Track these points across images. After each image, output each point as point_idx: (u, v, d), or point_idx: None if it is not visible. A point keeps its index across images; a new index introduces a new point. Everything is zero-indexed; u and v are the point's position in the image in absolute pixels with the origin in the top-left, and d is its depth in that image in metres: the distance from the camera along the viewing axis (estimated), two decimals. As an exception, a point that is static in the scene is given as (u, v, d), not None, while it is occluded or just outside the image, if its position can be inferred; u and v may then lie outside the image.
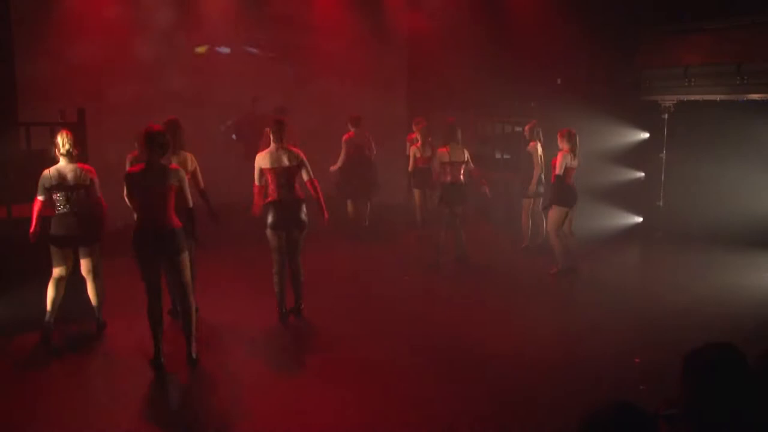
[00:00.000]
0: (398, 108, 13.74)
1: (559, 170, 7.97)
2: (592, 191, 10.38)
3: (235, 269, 8.35)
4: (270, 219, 6.39)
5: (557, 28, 11.86)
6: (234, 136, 11.88)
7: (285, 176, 6.37)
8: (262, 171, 6.38)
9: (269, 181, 6.40)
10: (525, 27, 12.00)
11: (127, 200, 5.40)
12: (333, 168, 10.09)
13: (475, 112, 11.29)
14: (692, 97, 10.02)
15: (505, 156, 9.74)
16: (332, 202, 11.01)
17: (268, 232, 6.44)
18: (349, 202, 10.60)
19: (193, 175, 6.34)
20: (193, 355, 5.47)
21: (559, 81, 12.05)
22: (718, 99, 9.63)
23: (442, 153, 8.49)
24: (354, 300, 7.44)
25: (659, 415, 2.49)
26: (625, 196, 10.94)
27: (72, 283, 6.16)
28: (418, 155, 9.78)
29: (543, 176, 9.01)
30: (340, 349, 5.98)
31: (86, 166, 5.95)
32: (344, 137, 10.37)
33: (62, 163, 5.83)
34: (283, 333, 6.44)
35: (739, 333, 5.88)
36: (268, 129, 6.68)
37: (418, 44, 13.32)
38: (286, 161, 6.35)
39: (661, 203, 10.73)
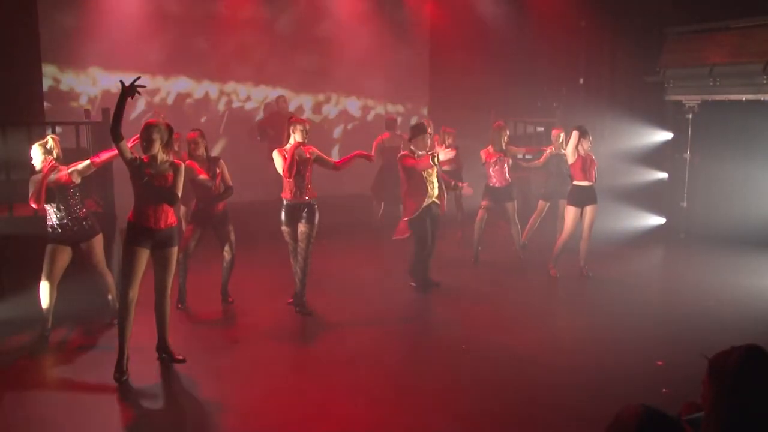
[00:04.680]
0: (420, 107, 13.74)
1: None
2: (615, 192, 10.32)
3: (249, 268, 8.39)
4: (282, 217, 6.69)
5: (580, 27, 11.82)
6: (258, 137, 11.91)
7: (300, 175, 6.51)
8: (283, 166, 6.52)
9: (285, 179, 6.56)
10: (548, 26, 11.95)
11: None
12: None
13: (497, 112, 11.26)
14: (717, 97, 9.91)
15: (527, 156, 9.68)
16: (367, 202, 11.18)
17: (282, 227, 6.76)
18: (382, 205, 10.80)
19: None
20: (170, 349, 5.54)
21: (581, 81, 11.99)
22: (743, 99, 9.52)
23: (486, 154, 8.70)
24: (369, 297, 7.48)
25: (683, 418, 2.47)
26: (648, 197, 10.86)
27: (84, 279, 6.28)
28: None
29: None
30: (350, 347, 5.97)
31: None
32: (377, 139, 10.53)
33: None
34: (294, 329, 6.48)
35: (764, 335, 5.82)
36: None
37: (440, 44, 13.31)
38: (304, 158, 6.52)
39: (684, 204, 10.63)
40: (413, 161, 7.31)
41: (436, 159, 7.23)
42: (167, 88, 11.67)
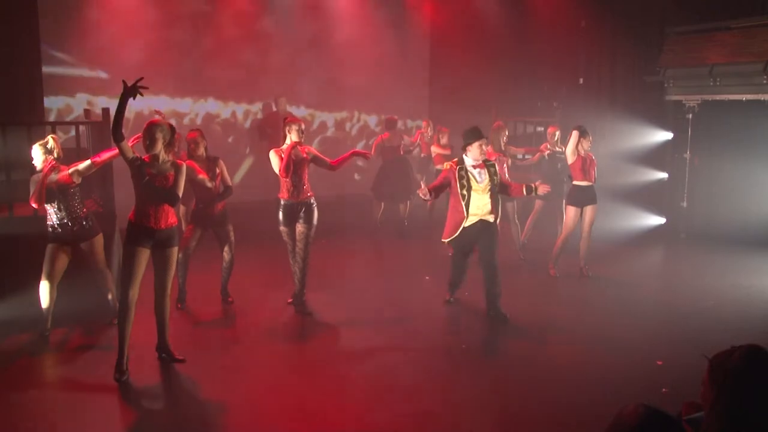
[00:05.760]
0: (420, 107, 13.74)
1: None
2: (615, 192, 10.32)
3: (249, 268, 8.40)
4: (280, 217, 6.65)
5: (580, 27, 11.81)
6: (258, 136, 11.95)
7: (297, 175, 6.52)
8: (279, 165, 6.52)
9: (282, 179, 6.56)
10: (548, 26, 11.95)
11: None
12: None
13: (497, 112, 11.27)
14: (717, 97, 9.91)
15: (526, 156, 9.68)
16: (367, 202, 11.19)
17: (280, 227, 6.71)
18: (382, 204, 10.84)
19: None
20: (169, 349, 5.56)
21: (581, 81, 11.99)
22: (743, 99, 9.52)
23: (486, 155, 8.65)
24: (369, 297, 7.47)
25: (683, 418, 2.46)
26: (648, 197, 10.86)
27: (84, 279, 6.30)
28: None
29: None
30: (350, 347, 5.98)
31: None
32: (377, 140, 10.60)
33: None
34: (294, 328, 6.48)
35: (764, 335, 5.82)
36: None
37: (441, 43, 13.31)
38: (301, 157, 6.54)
39: (684, 204, 10.63)
40: (440, 178, 6.62)
41: (492, 169, 6.50)
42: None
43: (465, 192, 6.42)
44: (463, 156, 6.49)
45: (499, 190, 6.58)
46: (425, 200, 6.45)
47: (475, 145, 6.37)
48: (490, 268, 6.57)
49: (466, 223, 6.45)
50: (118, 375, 5.15)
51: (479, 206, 6.44)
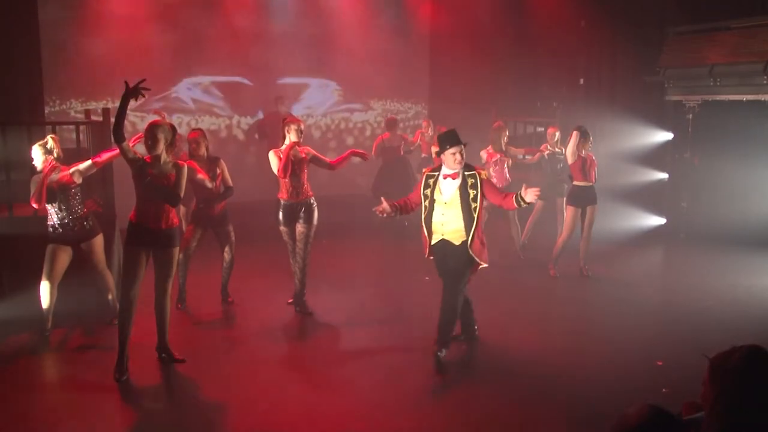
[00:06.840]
0: (419, 106, 13.73)
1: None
2: (615, 192, 10.32)
3: (249, 267, 8.39)
4: (280, 217, 6.65)
5: (580, 27, 11.80)
6: (257, 136, 11.95)
7: (296, 175, 6.51)
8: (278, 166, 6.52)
9: (281, 179, 6.56)
10: (548, 26, 11.94)
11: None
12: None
13: (497, 112, 11.26)
14: (717, 97, 9.90)
15: (526, 156, 9.67)
16: (367, 202, 11.19)
17: (280, 227, 6.71)
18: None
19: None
20: (169, 349, 5.55)
21: (582, 81, 11.98)
22: (743, 99, 9.50)
23: (487, 154, 8.70)
24: (369, 297, 7.48)
25: (683, 419, 2.46)
26: (648, 197, 10.85)
27: (84, 279, 6.31)
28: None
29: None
30: (351, 347, 5.99)
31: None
32: (377, 140, 10.61)
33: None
34: (294, 329, 6.48)
35: (764, 335, 5.81)
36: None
37: (441, 43, 13.29)
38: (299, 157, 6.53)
39: (684, 204, 10.62)
40: (417, 187, 5.65)
41: (472, 180, 5.33)
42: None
43: (427, 204, 5.48)
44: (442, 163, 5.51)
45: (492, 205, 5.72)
46: (382, 215, 5.54)
47: (448, 152, 5.33)
48: (444, 294, 5.56)
49: (431, 241, 5.52)
50: (118, 375, 5.16)
51: (443, 223, 5.41)
